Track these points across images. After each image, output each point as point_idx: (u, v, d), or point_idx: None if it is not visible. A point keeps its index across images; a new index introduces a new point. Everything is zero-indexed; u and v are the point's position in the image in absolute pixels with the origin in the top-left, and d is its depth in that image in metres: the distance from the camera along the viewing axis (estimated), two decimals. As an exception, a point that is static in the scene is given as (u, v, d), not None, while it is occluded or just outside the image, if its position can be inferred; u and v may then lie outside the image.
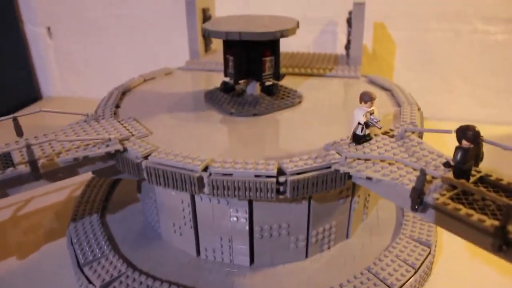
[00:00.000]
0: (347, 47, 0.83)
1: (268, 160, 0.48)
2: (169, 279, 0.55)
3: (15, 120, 0.56)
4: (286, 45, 0.74)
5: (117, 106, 0.66)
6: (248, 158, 0.48)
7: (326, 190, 0.49)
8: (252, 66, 0.63)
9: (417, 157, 0.48)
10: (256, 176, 0.46)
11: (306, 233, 0.57)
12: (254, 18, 0.66)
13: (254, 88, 0.66)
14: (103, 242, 0.61)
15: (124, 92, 0.71)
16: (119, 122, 0.59)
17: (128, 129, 0.57)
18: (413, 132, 0.53)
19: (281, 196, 0.48)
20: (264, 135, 0.58)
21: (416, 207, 0.42)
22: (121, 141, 0.53)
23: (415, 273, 0.55)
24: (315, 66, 0.80)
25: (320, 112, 0.64)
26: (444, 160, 0.47)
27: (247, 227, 0.55)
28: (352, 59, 0.79)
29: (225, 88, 0.66)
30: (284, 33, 0.58)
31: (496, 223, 0.36)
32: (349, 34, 0.82)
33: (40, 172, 0.48)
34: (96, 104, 0.67)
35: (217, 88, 0.69)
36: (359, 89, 0.71)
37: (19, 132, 0.56)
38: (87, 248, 0.60)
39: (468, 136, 0.42)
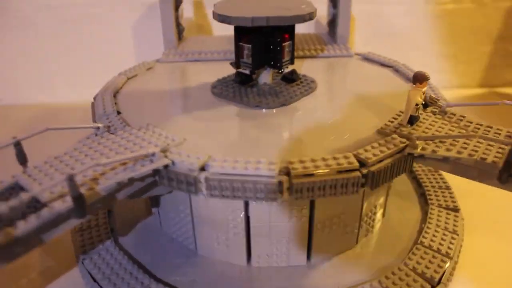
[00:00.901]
0: (330, 25, 0.81)
1: (344, 153, 0.45)
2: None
3: (17, 145, 0.45)
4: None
5: (118, 112, 0.57)
6: (321, 153, 0.45)
7: (398, 175, 0.48)
8: (270, 53, 0.58)
9: (474, 130, 0.49)
10: (339, 172, 0.43)
11: (359, 219, 0.56)
12: (259, 1, 0.61)
13: (267, 77, 0.61)
14: (135, 271, 0.53)
15: (114, 94, 0.62)
16: (141, 131, 0.51)
17: (158, 138, 0.49)
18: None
19: (362, 189, 0.45)
20: (307, 125, 0.53)
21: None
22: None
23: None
24: (304, 47, 0.77)
25: (340, 96, 0.62)
26: (499, 130, 0.49)
27: (307, 225, 0.52)
28: (340, 38, 0.78)
29: (242, 79, 0.60)
30: (312, 15, 0.54)
31: None
32: (333, 13, 0.80)
33: (86, 207, 0.40)
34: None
35: (224, 79, 0.64)
36: (361, 68, 0.72)
37: (22, 158, 0.46)
38: (119, 281, 0.51)
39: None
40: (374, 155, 0.45)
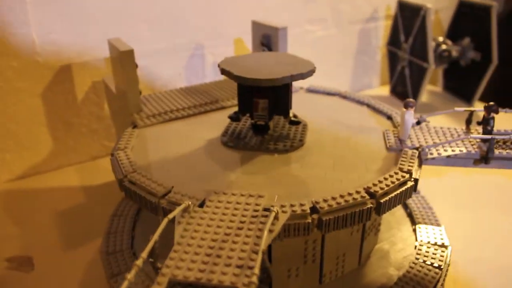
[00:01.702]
0: None
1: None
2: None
3: None
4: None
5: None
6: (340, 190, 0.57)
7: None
8: (280, 104, 0.67)
9: (457, 134, 0.68)
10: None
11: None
12: (258, 59, 0.69)
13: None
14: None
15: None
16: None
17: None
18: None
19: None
20: (323, 164, 0.64)
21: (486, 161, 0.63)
22: None
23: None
24: None
25: (330, 129, 0.73)
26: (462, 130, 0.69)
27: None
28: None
29: (261, 130, 0.68)
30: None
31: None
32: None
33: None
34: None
35: (231, 133, 0.70)
36: (316, 100, 0.85)
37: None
38: None
39: (494, 109, 0.64)
40: (381, 188, 0.57)
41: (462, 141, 0.66)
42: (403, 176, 0.58)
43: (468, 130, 0.70)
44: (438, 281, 0.64)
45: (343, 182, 0.58)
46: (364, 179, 0.59)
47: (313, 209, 0.53)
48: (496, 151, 0.63)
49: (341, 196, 0.54)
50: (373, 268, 0.68)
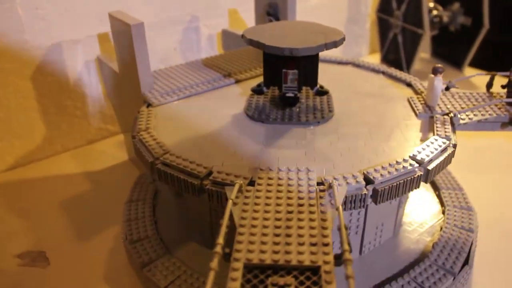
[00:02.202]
0: None
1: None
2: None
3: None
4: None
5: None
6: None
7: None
8: (307, 75, 0.65)
9: (481, 98, 0.68)
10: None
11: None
12: (284, 28, 0.66)
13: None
14: None
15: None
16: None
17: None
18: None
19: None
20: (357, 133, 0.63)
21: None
22: None
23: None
24: (258, 65, 0.83)
25: (352, 97, 0.72)
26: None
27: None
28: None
29: (291, 102, 0.65)
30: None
31: None
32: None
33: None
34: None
35: (255, 106, 0.67)
36: (336, 70, 0.82)
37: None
38: None
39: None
40: (427, 155, 0.56)
41: (490, 106, 0.66)
42: (443, 143, 0.58)
43: (490, 94, 0.70)
44: (472, 243, 0.65)
45: (386, 151, 0.57)
46: (404, 147, 0.58)
47: (367, 180, 0.51)
48: (525, 113, 0.64)
49: (391, 165, 0.53)
50: (407, 236, 0.68)
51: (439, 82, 0.65)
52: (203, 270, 0.60)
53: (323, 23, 0.67)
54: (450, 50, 1.31)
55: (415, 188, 0.55)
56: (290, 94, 0.65)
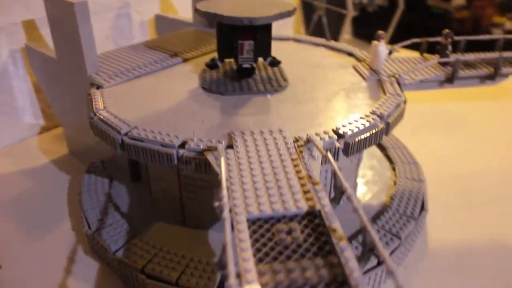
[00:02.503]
0: None
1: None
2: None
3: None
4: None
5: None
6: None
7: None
8: (262, 46, 0.66)
9: (419, 61, 0.74)
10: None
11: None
12: (233, 1, 0.66)
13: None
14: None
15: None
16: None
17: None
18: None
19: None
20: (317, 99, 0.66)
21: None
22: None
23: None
24: (204, 45, 0.83)
25: (303, 69, 0.74)
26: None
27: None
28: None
29: (248, 73, 0.66)
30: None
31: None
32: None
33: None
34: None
35: (209, 79, 0.67)
36: (278, 45, 0.82)
37: None
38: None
39: (450, 36, 0.72)
40: (385, 110, 0.62)
41: (427, 67, 0.73)
42: (396, 99, 0.62)
43: (425, 58, 0.76)
44: (424, 193, 0.70)
45: (346, 110, 0.60)
46: (361, 105, 0.62)
47: (338, 135, 0.54)
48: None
49: (356, 121, 0.57)
50: (364, 192, 0.72)
51: (383, 47, 0.70)
52: (178, 248, 0.58)
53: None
54: (370, 30, 1.40)
55: (379, 141, 0.58)
56: (246, 65, 0.66)
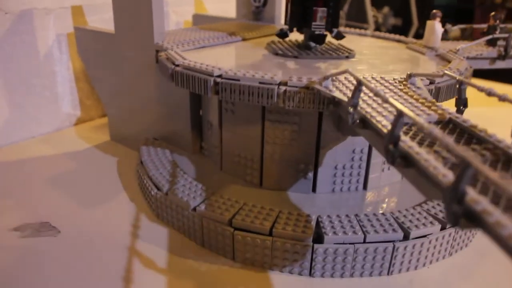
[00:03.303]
0: (258, 12, 0.91)
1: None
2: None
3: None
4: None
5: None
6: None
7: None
8: (332, 16, 0.67)
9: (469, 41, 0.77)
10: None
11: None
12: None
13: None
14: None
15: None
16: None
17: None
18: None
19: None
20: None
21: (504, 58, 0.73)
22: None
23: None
24: (257, 30, 0.84)
25: (364, 48, 0.74)
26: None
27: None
28: (276, 19, 0.90)
29: (320, 40, 0.67)
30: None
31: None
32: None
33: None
34: None
35: (280, 45, 0.68)
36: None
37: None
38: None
39: (498, 17, 0.76)
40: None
41: (476, 45, 0.76)
42: (464, 63, 0.64)
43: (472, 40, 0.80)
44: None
45: (423, 70, 0.62)
46: (433, 69, 0.63)
47: (430, 81, 0.55)
48: None
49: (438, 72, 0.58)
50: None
51: (439, 25, 0.73)
52: (259, 203, 0.56)
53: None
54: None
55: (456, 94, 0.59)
56: (318, 32, 0.67)
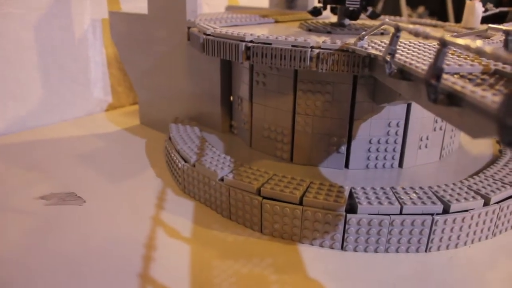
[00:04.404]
0: (291, 1, 0.90)
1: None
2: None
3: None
4: None
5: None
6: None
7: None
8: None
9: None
10: None
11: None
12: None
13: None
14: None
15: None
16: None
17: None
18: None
19: None
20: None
21: None
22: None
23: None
24: (290, 15, 0.83)
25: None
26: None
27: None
28: (309, 6, 0.89)
29: (353, 15, 0.65)
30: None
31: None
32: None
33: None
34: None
35: (311, 24, 0.66)
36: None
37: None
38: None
39: None
40: None
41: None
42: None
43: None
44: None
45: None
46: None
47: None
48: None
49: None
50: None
51: (479, 5, 0.70)
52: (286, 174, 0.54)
53: None
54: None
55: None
56: (353, 7, 0.66)
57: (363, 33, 0.48)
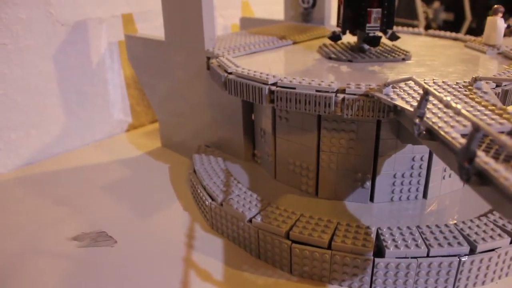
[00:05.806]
0: (307, 13, 0.89)
1: None
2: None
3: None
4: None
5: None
6: None
7: None
8: (386, 17, 0.65)
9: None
10: None
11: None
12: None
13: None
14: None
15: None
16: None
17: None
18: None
19: None
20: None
21: None
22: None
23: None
24: (308, 32, 0.83)
25: (413, 43, 0.72)
26: None
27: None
28: (326, 19, 0.88)
29: (374, 42, 0.64)
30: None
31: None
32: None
33: None
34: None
35: (332, 49, 0.66)
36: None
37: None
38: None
39: None
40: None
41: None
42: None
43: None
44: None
45: (486, 72, 0.59)
46: (495, 71, 0.59)
47: (496, 83, 0.52)
48: None
49: (499, 75, 0.54)
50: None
51: (502, 21, 0.69)
52: (315, 214, 0.55)
53: None
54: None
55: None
56: (373, 34, 0.65)
57: (388, 81, 0.48)
